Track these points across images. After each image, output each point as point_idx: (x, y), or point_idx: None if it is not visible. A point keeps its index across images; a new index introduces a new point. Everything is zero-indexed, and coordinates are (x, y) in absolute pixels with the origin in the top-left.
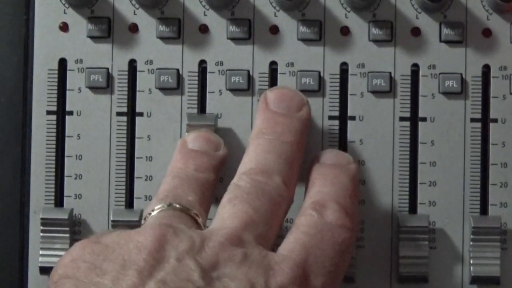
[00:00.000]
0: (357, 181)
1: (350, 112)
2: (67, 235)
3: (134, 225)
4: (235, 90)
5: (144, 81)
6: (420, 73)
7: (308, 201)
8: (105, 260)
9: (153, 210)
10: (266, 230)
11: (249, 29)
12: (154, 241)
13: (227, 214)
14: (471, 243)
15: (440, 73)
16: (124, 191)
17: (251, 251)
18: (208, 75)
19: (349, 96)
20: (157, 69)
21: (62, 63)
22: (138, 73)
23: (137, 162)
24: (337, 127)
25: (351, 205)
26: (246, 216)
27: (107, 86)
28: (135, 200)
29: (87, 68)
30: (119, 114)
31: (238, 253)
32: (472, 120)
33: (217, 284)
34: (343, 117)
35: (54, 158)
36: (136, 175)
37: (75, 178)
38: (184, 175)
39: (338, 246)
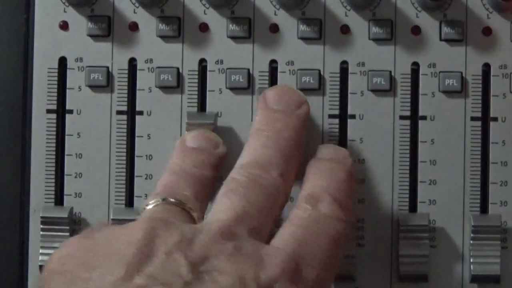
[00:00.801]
0: (352, 174)
1: (350, 111)
2: (67, 233)
3: None
4: (235, 89)
5: (144, 79)
6: (420, 71)
7: (302, 194)
8: (95, 255)
9: (147, 205)
10: (260, 224)
11: (249, 28)
12: (143, 234)
13: (221, 207)
14: (471, 241)
15: (440, 72)
16: (124, 190)
17: (243, 244)
18: (208, 73)
19: (349, 95)
20: (157, 67)
21: (62, 61)
22: (138, 72)
23: (137, 161)
24: (337, 126)
25: (346, 198)
26: (240, 209)
27: (107, 85)
28: (135, 198)
29: (87, 66)
30: (119, 112)
31: (229, 246)
32: (472, 118)
33: (205, 277)
34: (343, 116)
35: (54, 156)
36: (136, 173)
37: (75, 177)
38: (181, 171)
39: (332, 239)
